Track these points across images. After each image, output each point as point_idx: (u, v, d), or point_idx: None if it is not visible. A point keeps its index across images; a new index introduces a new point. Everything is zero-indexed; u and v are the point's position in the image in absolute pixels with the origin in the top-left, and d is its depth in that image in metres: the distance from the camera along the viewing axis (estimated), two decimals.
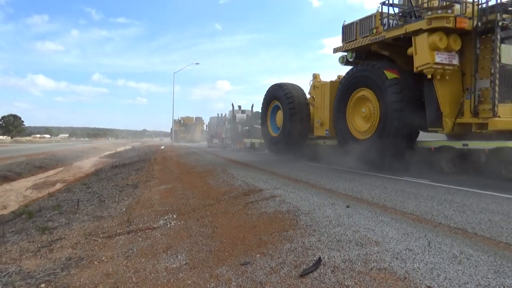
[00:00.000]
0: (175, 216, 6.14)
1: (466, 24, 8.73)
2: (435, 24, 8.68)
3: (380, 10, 10.43)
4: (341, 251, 3.43)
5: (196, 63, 76.80)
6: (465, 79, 9.15)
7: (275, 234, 4.20)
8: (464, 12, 9.33)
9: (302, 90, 14.76)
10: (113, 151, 39.61)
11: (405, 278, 2.78)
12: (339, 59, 12.27)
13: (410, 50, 9.34)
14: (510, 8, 8.61)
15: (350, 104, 11.21)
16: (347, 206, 5.31)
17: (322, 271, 3.04)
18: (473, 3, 8.84)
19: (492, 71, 8.38)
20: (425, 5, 9.94)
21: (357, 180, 8.32)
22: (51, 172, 21.26)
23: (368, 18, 11.05)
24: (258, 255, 3.66)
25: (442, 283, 2.67)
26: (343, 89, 11.41)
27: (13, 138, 76.12)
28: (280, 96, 14.81)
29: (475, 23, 8.67)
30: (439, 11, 9.27)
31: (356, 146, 10.62)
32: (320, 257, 3.26)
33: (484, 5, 8.69)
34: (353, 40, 11.50)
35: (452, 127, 9.07)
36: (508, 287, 2.62)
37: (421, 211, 5.11)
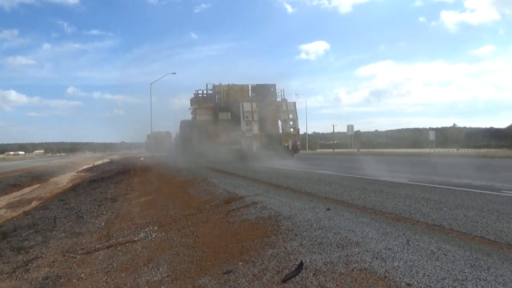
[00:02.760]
0: (156, 228, 6.04)
1: (211, 105, 25.14)
2: (198, 105, 25.38)
3: (195, 94, 26.49)
4: (323, 254, 3.44)
5: (173, 73, 75.82)
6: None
7: (257, 241, 4.18)
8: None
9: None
10: (91, 165, 38.72)
11: (385, 277, 2.81)
12: (191, 113, 28.22)
13: None
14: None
15: (193, 133, 25.63)
16: (328, 209, 5.35)
17: (304, 275, 3.05)
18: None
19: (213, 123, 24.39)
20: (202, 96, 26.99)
21: (337, 183, 8.41)
22: (27, 189, 20.57)
23: (193, 97, 26.54)
24: (240, 263, 3.64)
25: (421, 280, 2.71)
26: (191, 127, 27.10)
27: None
28: (182, 127, 31.22)
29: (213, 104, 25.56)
30: (202, 102, 26.17)
31: (196, 152, 24.12)
32: (302, 261, 3.26)
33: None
34: (192, 105, 27.14)
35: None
36: (484, 280, 2.69)
37: (400, 210, 5.20)
